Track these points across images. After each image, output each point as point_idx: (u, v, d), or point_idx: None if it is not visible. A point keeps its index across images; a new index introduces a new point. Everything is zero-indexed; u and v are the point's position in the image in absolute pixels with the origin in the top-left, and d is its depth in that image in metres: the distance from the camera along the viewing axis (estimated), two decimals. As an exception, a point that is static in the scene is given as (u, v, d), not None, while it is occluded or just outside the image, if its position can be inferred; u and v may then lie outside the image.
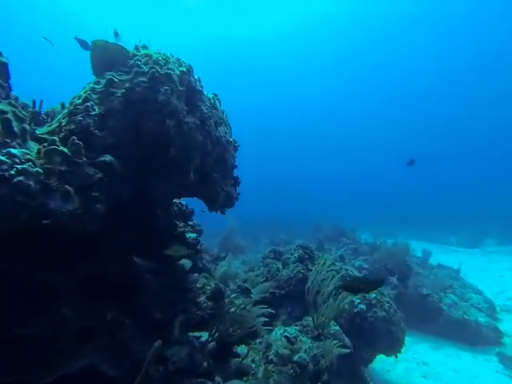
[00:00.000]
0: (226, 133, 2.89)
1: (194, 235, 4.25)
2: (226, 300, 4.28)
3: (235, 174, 3.15)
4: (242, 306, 3.37)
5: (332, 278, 4.49)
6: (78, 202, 1.72)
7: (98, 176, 1.87)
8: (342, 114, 45.14)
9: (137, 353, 2.06)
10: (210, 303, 3.56)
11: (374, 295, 4.11)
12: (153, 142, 2.27)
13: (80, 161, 1.76)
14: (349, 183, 42.96)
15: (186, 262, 4.29)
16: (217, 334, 3.02)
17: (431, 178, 39.01)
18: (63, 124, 1.99)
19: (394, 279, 6.65)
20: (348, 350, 3.34)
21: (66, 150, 1.70)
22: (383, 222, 17.87)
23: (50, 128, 2.03)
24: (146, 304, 2.22)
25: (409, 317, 5.03)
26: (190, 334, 2.95)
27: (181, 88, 2.41)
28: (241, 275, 5.96)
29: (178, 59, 2.63)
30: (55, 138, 1.73)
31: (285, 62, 37.85)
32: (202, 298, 3.68)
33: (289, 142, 51.23)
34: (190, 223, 5.32)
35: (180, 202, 4.60)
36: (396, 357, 4.13)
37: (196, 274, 4.17)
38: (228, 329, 3.08)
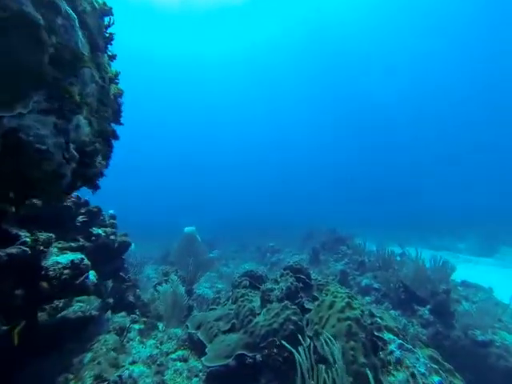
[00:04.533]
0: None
1: (71, 257, 2.11)
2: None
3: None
4: None
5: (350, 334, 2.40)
6: None
7: None
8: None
9: None
10: None
11: (437, 378, 2.05)
12: None
13: None
14: (344, 187, 41.28)
15: (81, 310, 2.13)
16: None
17: (434, 181, 37.57)
18: None
19: (424, 311, 4.62)
20: None
21: None
22: (379, 228, 16.07)
23: None
24: None
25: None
26: None
27: None
28: (201, 317, 3.77)
29: None
30: None
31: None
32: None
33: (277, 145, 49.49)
34: (98, 231, 3.18)
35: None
36: None
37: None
38: None
